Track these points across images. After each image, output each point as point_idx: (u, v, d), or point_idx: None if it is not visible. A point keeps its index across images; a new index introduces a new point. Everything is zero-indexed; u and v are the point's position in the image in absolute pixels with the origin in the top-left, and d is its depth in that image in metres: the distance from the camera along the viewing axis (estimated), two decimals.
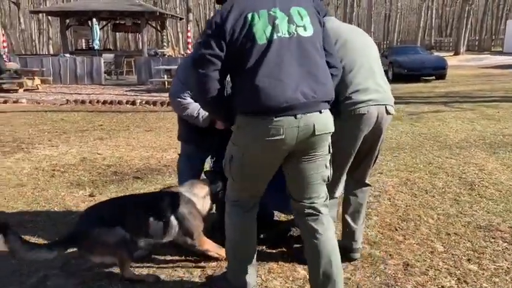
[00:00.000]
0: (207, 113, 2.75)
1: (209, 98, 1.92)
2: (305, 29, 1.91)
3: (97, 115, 8.87)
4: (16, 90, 12.53)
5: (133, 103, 10.48)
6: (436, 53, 22.82)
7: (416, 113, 8.20)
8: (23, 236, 2.23)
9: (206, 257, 2.63)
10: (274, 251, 2.79)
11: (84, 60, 15.00)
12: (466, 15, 30.03)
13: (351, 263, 2.61)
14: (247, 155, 1.95)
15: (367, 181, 2.66)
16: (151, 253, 2.69)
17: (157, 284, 2.43)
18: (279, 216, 3.27)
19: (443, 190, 3.92)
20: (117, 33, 35.24)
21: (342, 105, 2.26)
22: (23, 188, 4.12)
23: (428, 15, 47.37)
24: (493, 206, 3.51)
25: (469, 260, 2.65)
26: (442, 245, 2.85)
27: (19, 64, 14.08)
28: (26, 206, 3.66)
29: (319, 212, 2.05)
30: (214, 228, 2.81)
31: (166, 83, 12.66)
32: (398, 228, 3.12)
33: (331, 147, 2.03)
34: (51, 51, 32.71)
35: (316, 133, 1.89)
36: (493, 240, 2.91)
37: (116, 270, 2.46)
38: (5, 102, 10.69)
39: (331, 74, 2.00)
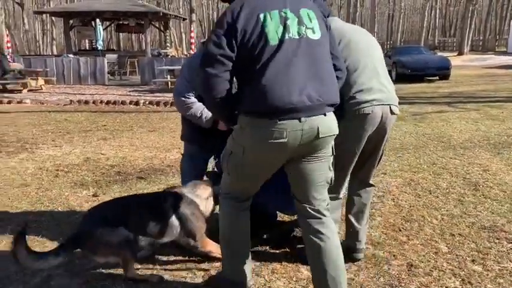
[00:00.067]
0: (210, 114, 2.75)
1: (218, 98, 1.89)
2: (313, 32, 1.90)
3: (100, 115, 8.89)
4: (20, 91, 12.57)
5: (136, 103, 10.48)
6: (439, 53, 22.71)
7: (420, 114, 8.18)
8: (27, 236, 2.23)
9: (209, 258, 2.63)
10: (277, 251, 2.78)
11: (87, 61, 15.01)
12: (470, 15, 29.91)
13: (355, 263, 2.60)
14: (248, 155, 1.94)
15: (371, 181, 2.65)
16: (154, 253, 2.69)
17: (161, 284, 2.43)
18: (282, 216, 3.26)
19: (447, 191, 3.91)
20: (121, 34, 35.26)
21: (346, 105, 2.26)
22: (27, 188, 4.14)
23: (432, 15, 47.17)
24: (498, 206, 3.50)
25: (473, 260, 2.64)
26: (446, 246, 2.84)
27: (23, 64, 14.14)
28: (30, 206, 3.67)
29: (323, 214, 2.04)
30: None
31: (169, 83, 12.68)
32: (402, 229, 3.11)
33: (334, 149, 2.02)
34: (55, 52, 32.80)
35: (320, 136, 1.88)
36: (497, 241, 2.90)
37: (120, 270, 2.46)
38: (9, 102, 10.74)
39: (337, 77, 1.99)
